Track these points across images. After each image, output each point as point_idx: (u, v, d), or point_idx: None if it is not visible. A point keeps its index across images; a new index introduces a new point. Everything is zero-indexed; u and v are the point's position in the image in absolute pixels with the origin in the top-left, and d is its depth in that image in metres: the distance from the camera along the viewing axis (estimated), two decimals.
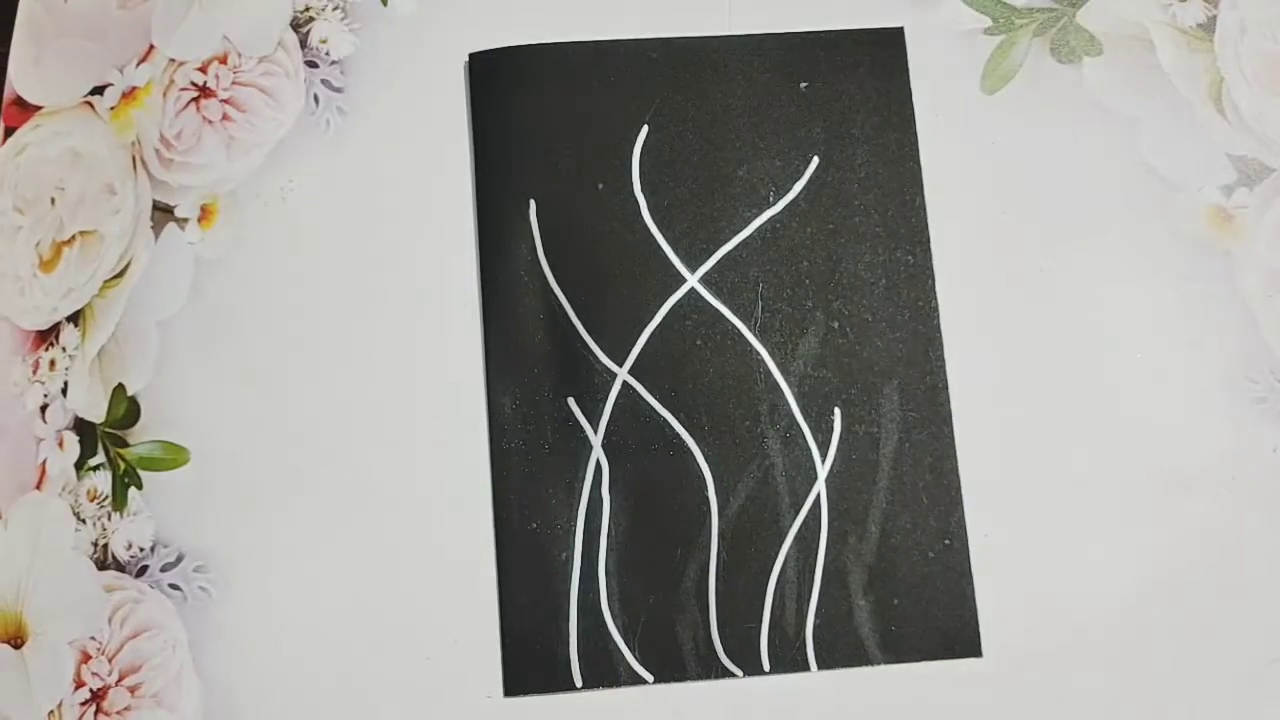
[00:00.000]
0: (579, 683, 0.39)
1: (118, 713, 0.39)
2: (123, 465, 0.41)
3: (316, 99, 0.44)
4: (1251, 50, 0.43)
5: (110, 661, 0.40)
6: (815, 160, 0.43)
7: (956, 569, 0.40)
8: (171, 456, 0.41)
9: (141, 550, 0.41)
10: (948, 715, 0.39)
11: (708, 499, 0.40)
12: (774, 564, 0.40)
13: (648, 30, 0.44)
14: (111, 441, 0.42)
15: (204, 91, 0.44)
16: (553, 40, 0.43)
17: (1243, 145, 0.43)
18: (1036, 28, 0.44)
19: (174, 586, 0.40)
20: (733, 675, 0.39)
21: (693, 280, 0.42)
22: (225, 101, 0.44)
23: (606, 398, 0.41)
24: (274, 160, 0.44)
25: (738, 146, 0.43)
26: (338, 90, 0.44)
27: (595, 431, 0.41)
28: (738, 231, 0.42)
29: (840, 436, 0.41)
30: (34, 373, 0.43)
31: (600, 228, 0.42)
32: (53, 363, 0.43)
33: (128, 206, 0.44)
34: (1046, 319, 0.42)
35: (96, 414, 0.42)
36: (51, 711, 0.40)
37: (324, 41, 0.45)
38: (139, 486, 0.41)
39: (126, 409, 0.42)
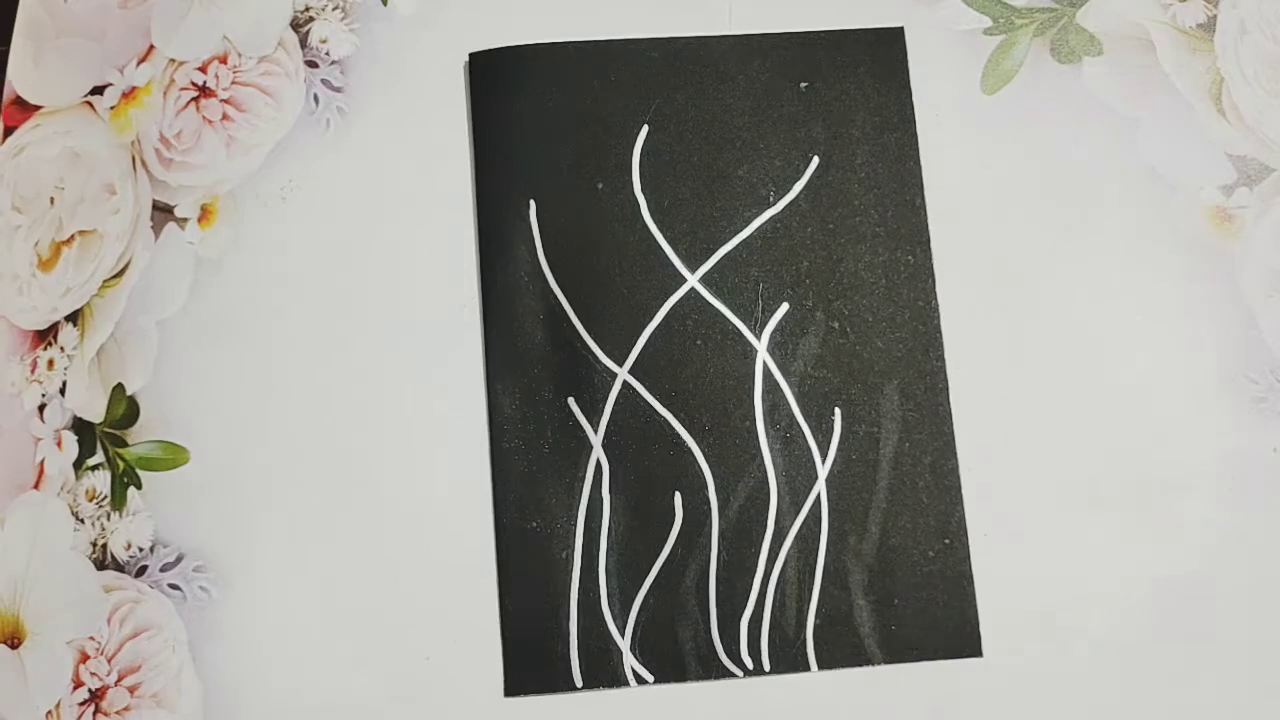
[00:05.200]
0: (579, 683, 0.39)
1: (117, 713, 0.39)
2: (122, 465, 0.41)
3: (316, 99, 0.44)
4: (1251, 50, 0.44)
5: (109, 661, 0.40)
6: (815, 160, 0.43)
7: (956, 569, 0.40)
8: (171, 456, 0.41)
9: (141, 550, 0.41)
10: (948, 715, 0.39)
11: (708, 499, 0.40)
12: (774, 564, 0.40)
13: (648, 30, 0.44)
14: (110, 441, 0.42)
15: (204, 91, 0.44)
16: (553, 40, 0.43)
17: (1243, 145, 0.43)
18: (1036, 28, 0.44)
19: (174, 586, 0.40)
20: (733, 675, 0.39)
21: (693, 280, 0.42)
22: (225, 101, 0.44)
23: (606, 398, 0.41)
24: (274, 160, 0.44)
25: (738, 146, 0.43)
26: (338, 90, 0.44)
27: (595, 431, 0.41)
28: (738, 231, 0.42)
29: (840, 436, 0.41)
30: (32, 372, 0.43)
31: (600, 228, 0.42)
32: (51, 362, 0.43)
33: (127, 206, 0.44)
34: (1046, 319, 0.42)
35: (95, 413, 0.42)
36: (50, 711, 0.40)
37: (324, 41, 0.45)
38: (138, 486, 0.41)
39: (126, 409, 0.42)
